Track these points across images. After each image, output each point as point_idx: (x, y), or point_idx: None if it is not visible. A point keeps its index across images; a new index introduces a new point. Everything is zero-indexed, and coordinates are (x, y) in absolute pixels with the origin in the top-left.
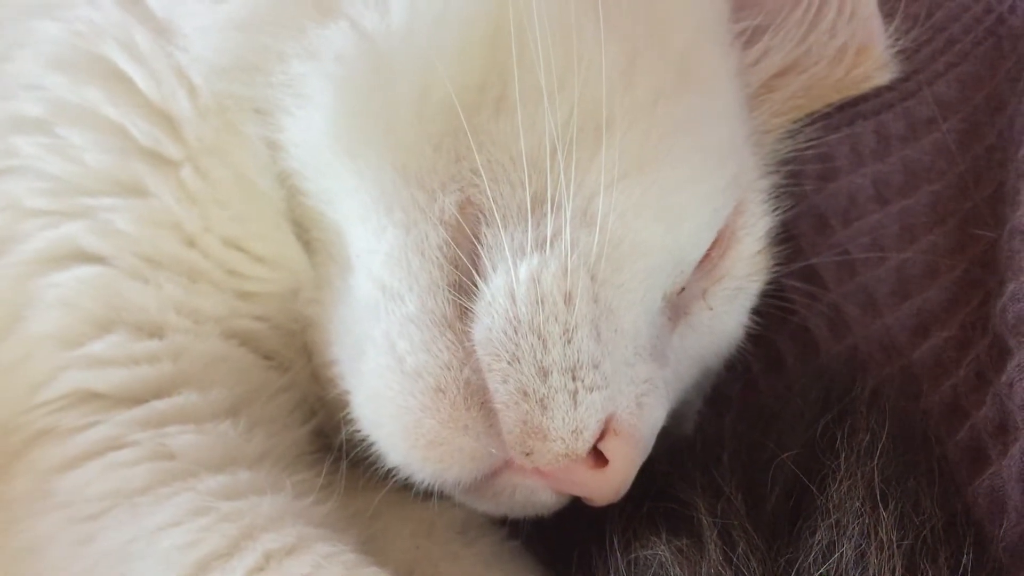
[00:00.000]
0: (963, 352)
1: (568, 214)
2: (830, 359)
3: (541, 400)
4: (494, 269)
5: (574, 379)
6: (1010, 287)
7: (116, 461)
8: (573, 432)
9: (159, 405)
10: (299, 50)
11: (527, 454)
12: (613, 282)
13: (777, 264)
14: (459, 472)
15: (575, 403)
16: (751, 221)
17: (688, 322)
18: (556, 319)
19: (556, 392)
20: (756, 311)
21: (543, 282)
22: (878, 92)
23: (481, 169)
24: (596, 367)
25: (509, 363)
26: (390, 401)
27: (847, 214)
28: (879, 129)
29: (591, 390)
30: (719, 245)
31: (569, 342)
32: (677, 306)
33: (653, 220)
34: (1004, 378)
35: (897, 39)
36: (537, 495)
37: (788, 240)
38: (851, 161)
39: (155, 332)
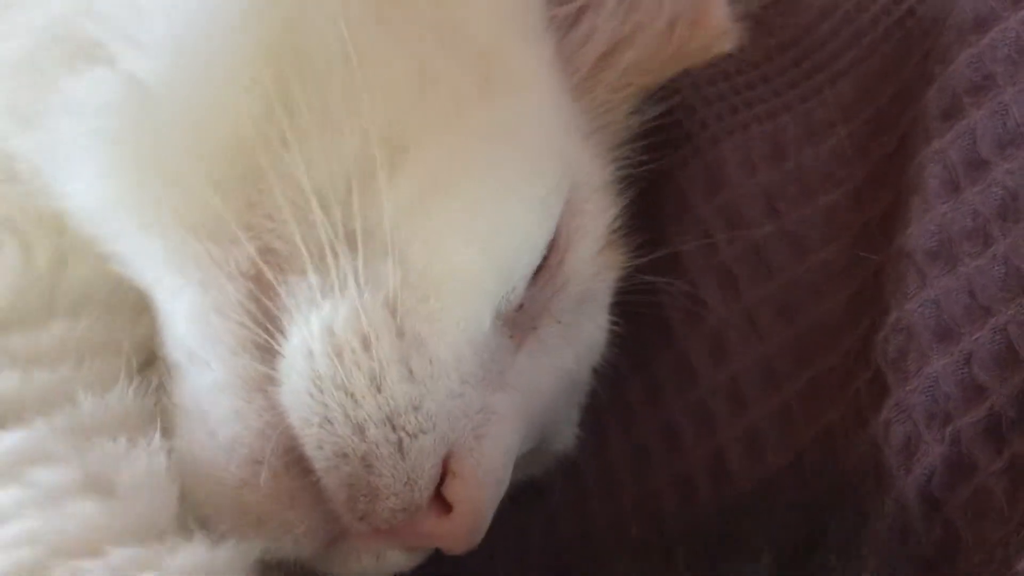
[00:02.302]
0: (844, 386)
1: (361, 249)
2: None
3: (363, 458)
4: (291, 324)
5: (394, 428)
6: (893, 316)
7: None
8: (406, 485)
9: None
10: (58, 105)
11: (361, 518)
12: (420, 312)
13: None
14: (294, 546)
15: (401, 454)
16: (588, 220)
17: (537, 337)
18: (359, 367)
19: (377, 446)
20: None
21: (336, 330)
22: (778, 92)
23: (275, 212)
24: (417, 409)
25: (320, 426)
26: (208, 477)
27: (734, 227)
28: (776, 134)
29: (416, 435)
30: (555, 252)
31: (379, 389)
32: (518, 323)
33: (464, 241)
34: (881, 417)
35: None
36: (386, 556)
37: (672, 258)
38: (743, 169)
39: None
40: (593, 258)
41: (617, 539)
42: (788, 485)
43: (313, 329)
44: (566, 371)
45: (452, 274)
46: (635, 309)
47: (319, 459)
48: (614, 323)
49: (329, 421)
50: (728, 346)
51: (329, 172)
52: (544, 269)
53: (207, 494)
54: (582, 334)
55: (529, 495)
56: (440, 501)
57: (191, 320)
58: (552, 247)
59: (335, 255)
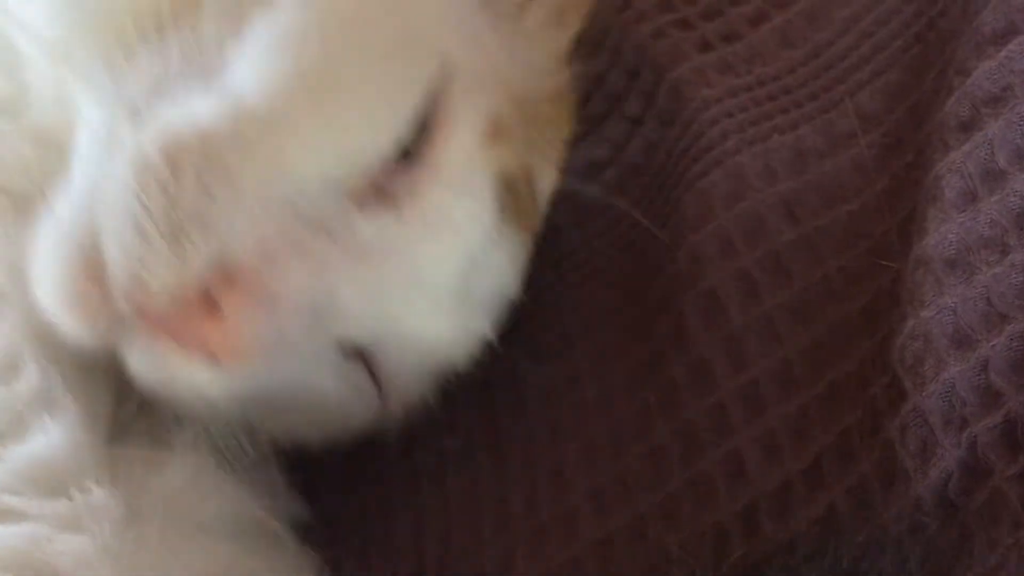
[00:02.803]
0: (860, 391)
1: (200, 75)
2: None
3: (144, 246)
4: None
5: (177, 226)
6: (910, 322)
7: None
8: (176, 273)
9: None
10: None
11: (138, 306)
12: (238, 149)
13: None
14: (90, 327)
15: (177, 247)
16: (470, 110)
17: (400, 217)
18: (162, 179)
19: (157, 238)
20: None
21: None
22: (799, 104)
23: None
24: (205, 219)
25: (122, 216)
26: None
27: (755, 235)
28: (796, 144)
29: (194, 234)
30: (426, 137)
31: (174, 205)
32: (370, 200)
33: (308, 100)
34: (897, 422)
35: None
36: (171, 363)
37: (688, 260)
38: (764, 179)
39: None
40: (472, 150)
41: (634, 544)
42: (805, 489)
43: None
44: (419, 264)
45: (284, 126)
46: (651, 313)
47: (110, 248)
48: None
49: (129, 213)
50: (746, 350)
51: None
52: (414, 153)
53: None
54: (453, 227)
55: None
56: (212, 307)
57: None
58: (423, 131)
59: (169, 73)
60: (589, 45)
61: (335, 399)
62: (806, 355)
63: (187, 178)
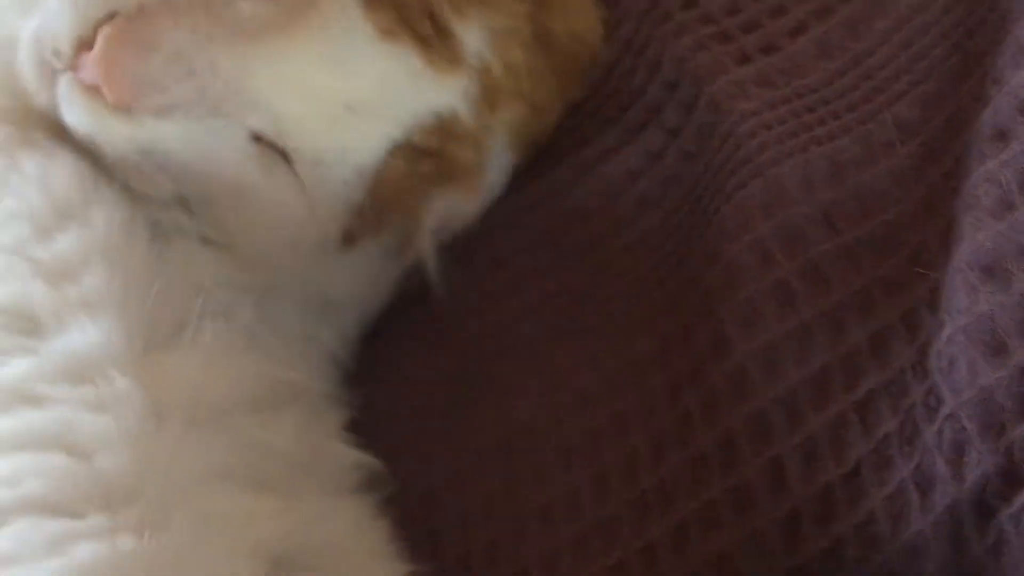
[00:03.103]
0: (899, 399)
1: None
2: None
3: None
4: None
5: None
6: (947, 330)
7: None
8: (78, 27)
9: None
10: None
11: (55, 52)
12: None
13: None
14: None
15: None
16: None
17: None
18: None
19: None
20: None
21: None
22: (837, 114)
23: None
24: None
25: None
26: None
27: (793, 244)
28: (835, 155)
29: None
30: None
31: None
32: None
33: None
34: (935, 428)
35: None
36: (79, 105)
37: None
38: (802, 189)
39: None
40: None
41: (676, 551)
42: (845, 496)
43: None
44: (288, 45)
45: None
46: (690, 323)
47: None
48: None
49: None
50: (784, 359)
51: None
52: None
53: None
54: (317, 14)
55: None
56: None
57: None
58: None
59: None
60: (629, 56)
61: (260, 193)
62: (844, 363)
63: None
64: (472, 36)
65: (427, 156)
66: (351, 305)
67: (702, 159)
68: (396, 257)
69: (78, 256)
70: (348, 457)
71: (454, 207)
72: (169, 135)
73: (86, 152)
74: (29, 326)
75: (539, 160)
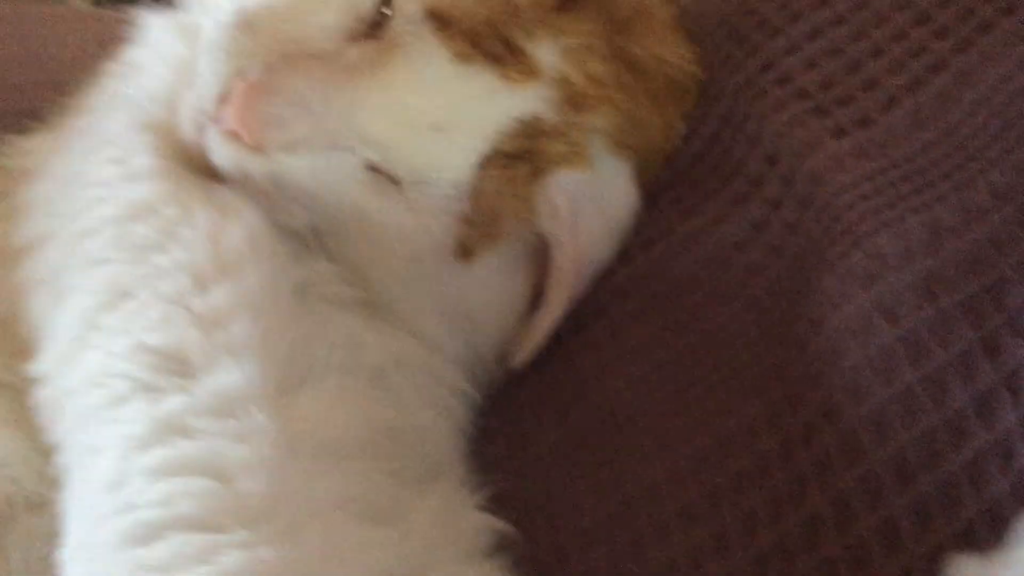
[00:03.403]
0: (1007, 460)
1: None
2: None
3: (210, 75)
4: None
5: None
6: None
7: None
8: (218, 84)
9: None
10: None
11: (203, 110)
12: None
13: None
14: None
15: (219, 71)
16: None
17: (378, 46)
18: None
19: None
20: None
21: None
22: (932, 183)
23: None
24: (233, 51)
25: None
26: None
27: (894, 313)
28: (932, 223)
29: (228, 62)
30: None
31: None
32: (358, 36)
33: None
34: None
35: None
36: (222, 146)
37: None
38: (902, 258)
39: None
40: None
41: None
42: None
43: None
44: (392, 80)
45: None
46: (798, 389)
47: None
48: None
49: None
50: (892, 422)
51: None
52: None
53: None
54: (415, 54)
55: None
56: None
57: None
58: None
59: None
60: (728, 131)
61: (378, 216)
62: (950, 425)
63: (230, 34)
64: (545, 52)
65: (519, 160)
66: (487, 317)
67: (803, 229)
68: (523, 266)
69: (228, 307)
70: (480, 521)
71: (573, 185)
72: (296, 168)
73: (251, 213)
74: (183, 368)
75: (646, 231)
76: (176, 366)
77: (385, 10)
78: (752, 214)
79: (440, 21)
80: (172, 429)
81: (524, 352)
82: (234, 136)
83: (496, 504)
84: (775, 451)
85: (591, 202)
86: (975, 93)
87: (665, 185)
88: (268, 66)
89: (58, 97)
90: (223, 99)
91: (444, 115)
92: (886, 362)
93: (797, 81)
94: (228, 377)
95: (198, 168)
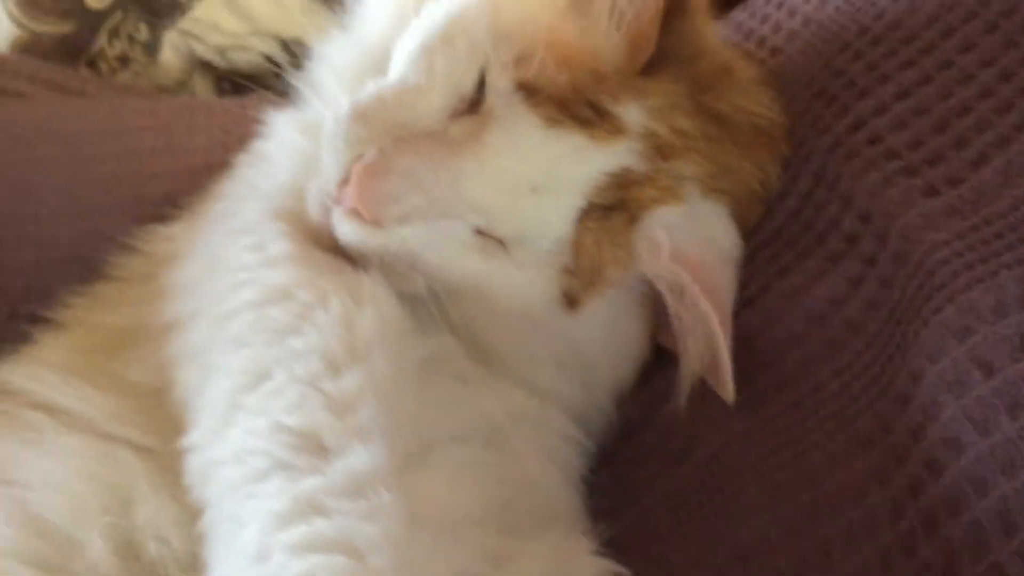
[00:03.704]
0: None
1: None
2: None
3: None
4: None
5: (341, 148)
6: None
7: None
8: (338, 171)
9: None
10: None
11: (327, 194)
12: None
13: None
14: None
15: (339, 159)
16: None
17: (478, 121)
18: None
19: (333, 158)
20: None
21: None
22: (1023, 238)
23: None
24: (352, 140)
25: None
26: None
27: (988, 367)
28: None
29: (347, 150)
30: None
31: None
32: (459, 114)
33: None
34: None
35: None
36: (344, 226)
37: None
38: (995, 313)
39: None
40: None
41: None
42: None
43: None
44: (491, 148)
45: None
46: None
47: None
48: None
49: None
50: (992, 473)
51: None
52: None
53: None
54: (508, 123)
55: None
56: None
57: None
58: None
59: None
60: (820, 190)
61: (488, 276)
62: None
63: (347, 124)
64: (631, 113)
65: (614, 210)
66: (601, 363)
67: (898, 285)
68: (636, 311)
69: (358, 391)
70: (596, 566)
71: (670, 218)
72: (411, 238)
73: (382, 298)
74: (317, 449)
75: (746, 289)
76: (311, 447)
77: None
78: (848, 271)
79: (528, 91)
80: (310, 507)
81: (726, 385)
82: (355, 214)
83: (610, 552)
84: (884, 505)
85: (692, 233)
86: None
87: (761, 244)
88: (381, 149)
89: (192, 184)
90: (344, 182)
91: (540, 177)
92: (983, 414)
93: (887, 141)
94: (357, 460)
95: (327, 249)
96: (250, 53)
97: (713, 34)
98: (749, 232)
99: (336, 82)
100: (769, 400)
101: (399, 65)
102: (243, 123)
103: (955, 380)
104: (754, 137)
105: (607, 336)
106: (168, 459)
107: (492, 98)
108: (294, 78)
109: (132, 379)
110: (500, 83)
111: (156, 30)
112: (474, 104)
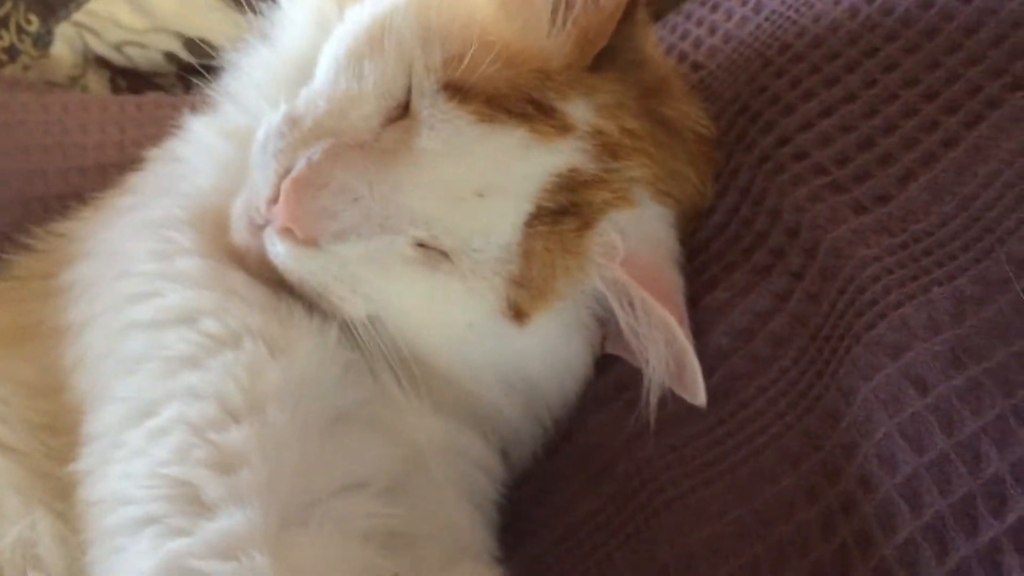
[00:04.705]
0: None
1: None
2: None
3: (259, 178)
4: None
5: (269, 161)
6: None
7: None
8: (267, 186)
9: None
10: None
11: (256, 210)
12: (304, 114)
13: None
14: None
15: (268, 172)
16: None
17: (406, 127)
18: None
19: (262, 171)
20: None
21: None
22: (953, 256)
23: None
24: (280, 152)
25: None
26: None
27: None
28: (955, 294)
29: (276, 163)
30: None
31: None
32: (391, 121)
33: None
34: None
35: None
36: (278, 245)
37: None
38: (928, 329)
39: None
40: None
41: None
42: None
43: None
44: (423, 152)
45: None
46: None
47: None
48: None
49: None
50: (928, 491)
51: None
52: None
53: None
54: (435, 123)
55: None
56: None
57: None
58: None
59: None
60: (747, 204)
61: (432, 291)
62: (988, 491)
63: (276, 134)
64: (578, 109)
65: (565, 215)
66: (546, 380)
67: (826, 300)
68: (581, 329)
69: (245, 450)
70: None
71: (624, 222)
72: (351, 256)
73: (301, 350)
74: (194, 505)
75: None
76: (187, 502)
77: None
78: (775, 285)
79: (454, 90)
80: (179, 570)
81: (698, 389)
82: (287, 233)
83: (532, 572)
84: (816, 522)
85: (643, 238)
86: (988, 167)
87: (688, 256)
88: (310, 161)
89: (84, 184)
90: (274, 200)
91: (482, 179)
92: (918, 430)
93: (813, 156)
94: (231, 521)
95: (245, 272)
96: (149, 50)
97: (654, 45)
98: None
99: (256, 93)
100: (694, 416)
101: (326, 72)
102: (140, 123)
103: (889, 397)
104: (697, 145)
105: (554, 352)
106: (50, 463)
107: (417, 101)
108: (207, 85)
109: (20, 376)
110: (425, 84)
111: (48, 22)
112: (404, 108)
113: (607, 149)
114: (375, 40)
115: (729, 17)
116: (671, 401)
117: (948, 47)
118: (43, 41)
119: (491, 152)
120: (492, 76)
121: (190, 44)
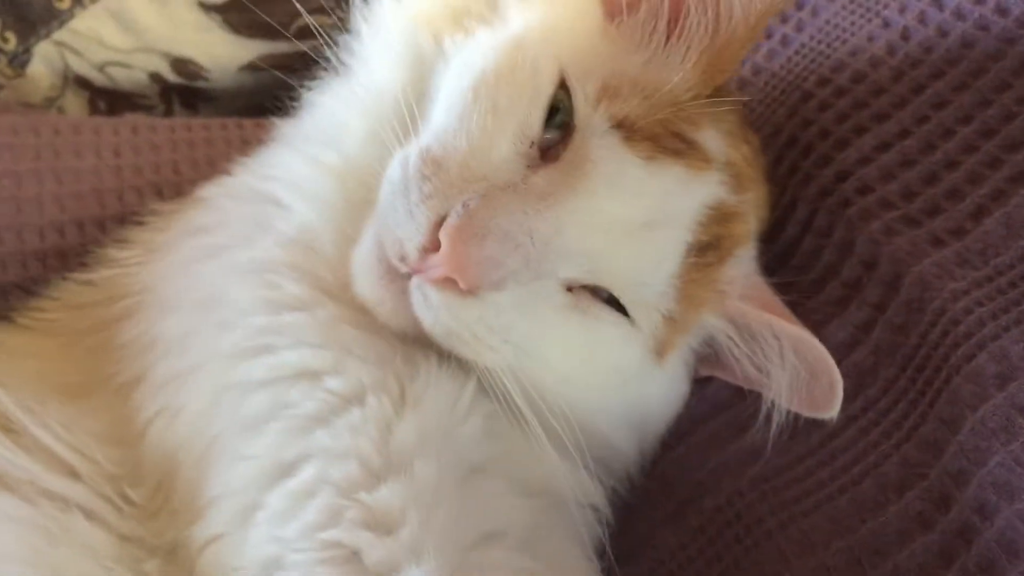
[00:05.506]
0: None
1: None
2: None
3: (401, 225)
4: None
5: (416, 206)
6: None
7: None
8: (415, 231)
9: None
10: None
11: (402, 259)
12: (443, 156)
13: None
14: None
15: (417, 219)
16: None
17: (558, 167)
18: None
19: (407, 217)
20: None
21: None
22: None
23: None
24: (426, 195)
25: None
26: None
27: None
28: None
29: (420, 204)
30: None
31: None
32: (537, 162)
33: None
34: None
35: None
36: (429, 295)
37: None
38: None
39: None
40: (589, 111)
41: None
42: None
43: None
44: (578, 192)
45: (467, 141)
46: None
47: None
48: None
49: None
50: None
51: None
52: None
53: None
54: (591, 162)
55: None
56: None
57: None
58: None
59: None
60: (813, 236)
61: (581, 334)
62: None
63: (419, 177)
64: (710, 139)
65: (710, 248)
66: (660, 417)
67: (914, 331)
68: (690, 360)
69: (398, 508)
70: None
71: (745, 257)
72: (506, 305)
73: (429, 401)
74: (356, 569)
75: None
76: (346, 565)
77: (547, 135)
78: (855, 316)
79: (626, 129)
80: None
81: (833, 397)
82: (447, 283)
83: None
84: (931, 549)
85: (750, 267)
86: None
87: None
88: (467, 208)
89: (79, 211)
90: (428, 248)
91: (650, 213)
92: (1005, 483)
93: (879, 191)
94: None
95: (356, 322)
96: (134, 71)
97: None
98: None
99: (344, 131)
100: (778, 448)
101: (452, 106)
102: (136, 147)
103: (999, 427)
104: (766, 174)
105: (674, 388)
106: (129, 523)
107: (583, 140)
108: (284, 124)
109: (91, 428)
110: (594, 123)
111: (28, 40)
112: (548, 152)
113: (738, 181)
114: (503, 73)
115: (756, 50)
116: (751, 434)
117: (997, 86)
118: (19, 60)
119: (658, 189)
120: (647, 113)
121: (177, 64)
